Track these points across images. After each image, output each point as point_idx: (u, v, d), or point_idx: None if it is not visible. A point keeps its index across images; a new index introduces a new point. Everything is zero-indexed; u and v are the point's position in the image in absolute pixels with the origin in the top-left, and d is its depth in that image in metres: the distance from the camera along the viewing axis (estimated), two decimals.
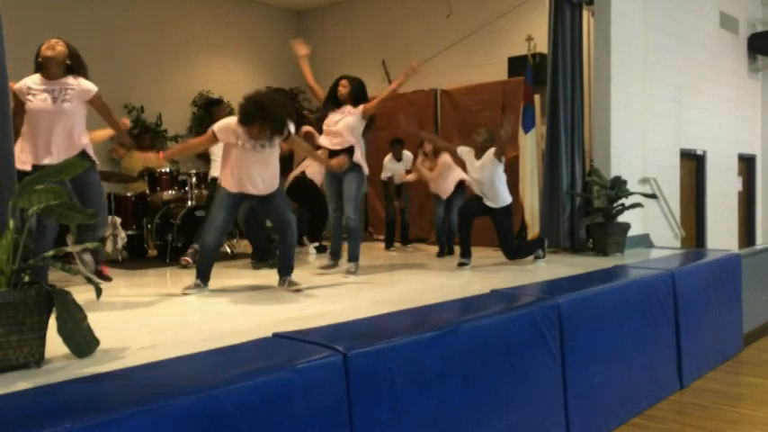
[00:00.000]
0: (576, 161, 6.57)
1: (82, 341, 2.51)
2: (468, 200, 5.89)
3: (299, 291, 4.33)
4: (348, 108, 5.22)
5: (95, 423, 1.81)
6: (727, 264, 5.71)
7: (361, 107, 5.18)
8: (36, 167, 3.95)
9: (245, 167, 4.32)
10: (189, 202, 6.52)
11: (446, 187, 6.67)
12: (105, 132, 5.38)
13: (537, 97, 7.12)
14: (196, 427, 2.03)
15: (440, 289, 4.38)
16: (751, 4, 10.06)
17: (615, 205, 6.34)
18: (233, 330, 3.03)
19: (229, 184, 4.37)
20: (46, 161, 3.97)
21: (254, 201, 4.58)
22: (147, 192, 6.73)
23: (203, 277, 4.35)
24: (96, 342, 2.58)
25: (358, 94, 5.25)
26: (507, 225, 5.75)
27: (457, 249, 6.11)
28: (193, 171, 6.82)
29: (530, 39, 7.90)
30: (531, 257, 5.92)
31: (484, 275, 5.16)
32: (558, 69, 6.45)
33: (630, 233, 6.46)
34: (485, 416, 3.07)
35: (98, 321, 2.66)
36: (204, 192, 6.67)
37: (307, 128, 6.25)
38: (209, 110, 6.86)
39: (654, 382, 4.42)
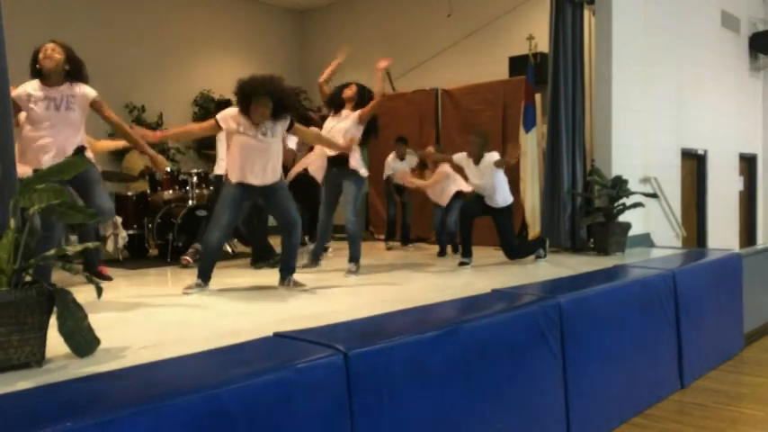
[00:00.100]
0: (576, 160, 6.57)
1: (83, 340, 2.52)
2: (468, 199, 5.89)
3: (304, 290, 4.35)
4: (346, 112, 5.28)
5: (96, 422, 1.81)
6: (728, 263, 5.71)
7: (357, 112, 5.24)
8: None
9: (247, 155, 4.31)
10: (190, 202, 6.53)
11: (444, 199, 6.67)
12: (110, 143, 5.38)
13: (538, 96, 7.12)
14: (197, 427, 2.03)
15: (441, 288, 4.37)
16: (752, 4, 10.05)
17: (616, 205, 6.34)
18: (234, 330, 3.03)
19: (232, 173, 4.37)
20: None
21: (258, 196, 4.54)
22: (148, 191, 6.74)
23: (205, 276, 4.34)
24: (97, 341, 2.58)
25: (361, 100, 5.29)
26: (508, 224, 5.75)
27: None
28: (194, 171, 6.82)
29: (531, 38, 7.89)
30: (532, 257, 5.92)
31: (485, 275, 5.15)
32: (559, 68, 6.45)
33: (631, 233, 6.46)
34: (486, 415, 3.07)
35: (99, 321, 2.66)
36: (205, 192, 6.68)
37: (314, 129, 6.26)
38: (219, 110, 6.87)
39: (654, 382, 4.42)
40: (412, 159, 7.47)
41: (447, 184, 6.56)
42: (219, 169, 5.75)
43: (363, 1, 10.03)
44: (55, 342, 2.47)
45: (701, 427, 3.92)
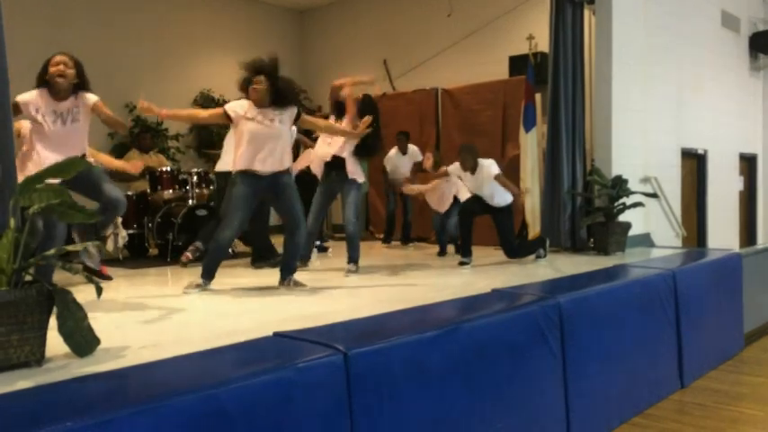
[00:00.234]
0: (576, 160, 6.57)
1: (82, 340, 2.52)
2: (468, 199, 5.89)
3: (304, 290, 4.35)
4: (344, 122, 5.26)
5: (96, 422, 1.81)
6: (728, 263, 5.71)
7: (349, 126, 5.16)
8: None
9: (255, 141, 4.30)
10: (190, 201, 6.53)
11: (443, 206, 6.66)
12: (112, 161, 5.38)
13: (538, 96, 7.12)
14: (196, 427, 2.03)
15: (441, 288, 4.37)
16: (753, 3, 10.05)
17: (616, 204, 6.34)
18: (234, 329, 3.03)
19: (239, 162, 4.35)
20: None
21: (266, 190, 4.48)
22: (148, 191, 6.74)
23: (209, 275, 4.34)
24: (97, 341, 2.58)
25: (365, 110, 5.27)
26: (508, 224, 5.75)
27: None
28: (194, 170, 6.82)
29: (531, 38, 7.89)
30: (532, 257, 5.91)
31: (485, 275, 5.15)
32: (559, 68, 6.45)
33: (631, 232, 6.46)
34: (485, 415, 3.07)
35: (98, 320, 2.67)
36: (205, 191, 6.68)
37: (323, 120, 6.26)
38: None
39: (655, 382, 4.41)
40: (414, 153, 7.46)
41: (446, 188, 6.56)
42: (224, 165, 5.70)
43: (363, 1, 10.03)
44: (55, 342, 2.47)
45: (701, 427, 3.92)
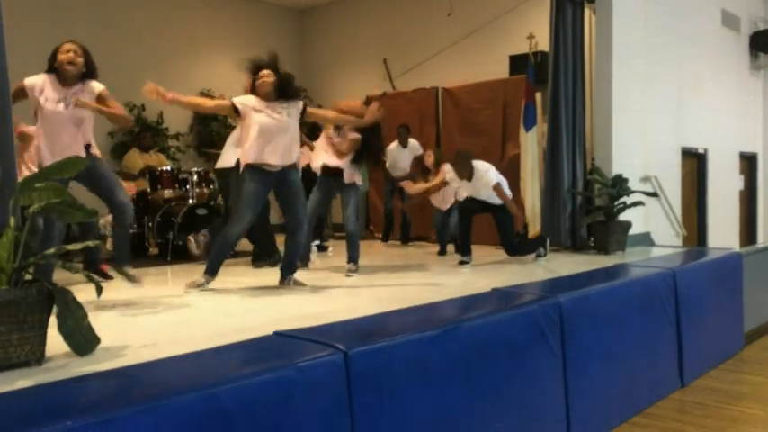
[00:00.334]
0: (577, 159, 6.57)
1: (82, 339, 2.52)
2: (467, 198, 5.88)
3: (305, 289, 4.35)
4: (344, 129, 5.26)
5: (96, 421, 1.81)
6: (729, 262, 5.71)
7: (350, 134, 5.17)
8: None
9: (264, 134, 4.29)
10: (190, 201, 6.53)
11: (445, 204, 6.67)
12: (115, 105, 5.32)
13: (538, 95, 7.12)
14: (197, 426, 2.03)
15: (441, 287, 4.37)
16: (753, 2, 10.04)
17: (616, 204, 6.34)
18: (234, 328, 3.03)
19: (248, 155, 4.33)
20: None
21: (274, 187, 4.46)
22: (148, 190, 6.74)
23: (213, 270, 4.35)
24: (97, 340, 2.58)
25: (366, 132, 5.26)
26: (508, 221, 5.74)
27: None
28: (194, 169, 6.82)
29: (531, 37, 7.89)
30: (532, 256, 5.91)
31: (485, 274, 5.15)
32: (559, 67, 6.45)
33: (632, 232, 6.46)
34: (486, 414, 3.07)
35: (99, 319, 2.66)
36: (205, 190, 6.67)
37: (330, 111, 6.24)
38: None
39: (655, 381, 4.41)
40: (414, 147, 7.46)
41: (448, 187, 6.54)
42: (224, 162, 5.68)
43: (363, 0, 10.03)
44: (55, 341, 2.47)
45: (701, 426, 3.92)
